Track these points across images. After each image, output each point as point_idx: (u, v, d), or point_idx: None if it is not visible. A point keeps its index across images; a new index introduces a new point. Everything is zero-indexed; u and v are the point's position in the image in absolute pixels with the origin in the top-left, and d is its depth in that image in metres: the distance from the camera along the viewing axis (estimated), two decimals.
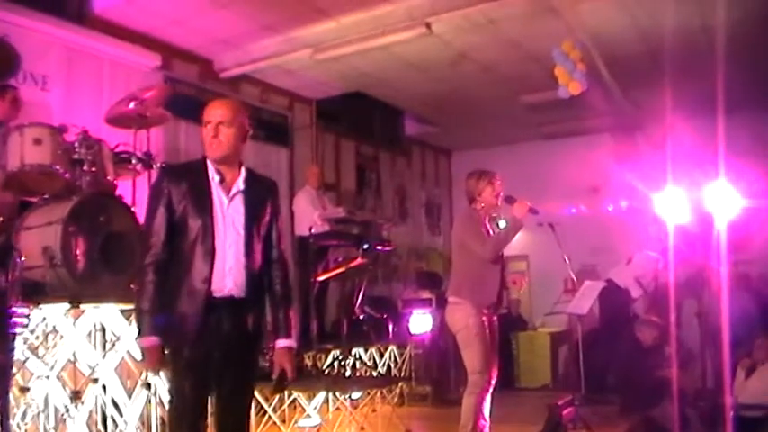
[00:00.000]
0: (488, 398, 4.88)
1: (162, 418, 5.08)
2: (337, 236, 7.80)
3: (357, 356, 7.59)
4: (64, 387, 4.28)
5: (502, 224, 4.93)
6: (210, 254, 3.00)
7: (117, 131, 5.40)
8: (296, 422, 6.24)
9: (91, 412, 4.36)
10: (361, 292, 7.80)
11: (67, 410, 4.20)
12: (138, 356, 3.93)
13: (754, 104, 8.31)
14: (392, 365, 8.06)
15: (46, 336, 4.39)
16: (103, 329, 4.67)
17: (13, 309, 3.21)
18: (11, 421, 3.82)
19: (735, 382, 5.75)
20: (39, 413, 4.25)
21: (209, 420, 3.19)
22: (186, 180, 3.09)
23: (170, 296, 3.00)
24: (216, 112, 3.12)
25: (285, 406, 6.50)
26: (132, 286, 4.64)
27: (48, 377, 4.22)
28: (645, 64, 7.84)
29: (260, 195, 3.20)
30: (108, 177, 4.99)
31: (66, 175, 4.68)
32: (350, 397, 5.98)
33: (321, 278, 7.18)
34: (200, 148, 7.71)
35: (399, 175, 11.33)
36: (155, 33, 7.03)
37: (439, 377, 8.24)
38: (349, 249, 7.90)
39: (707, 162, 7.38)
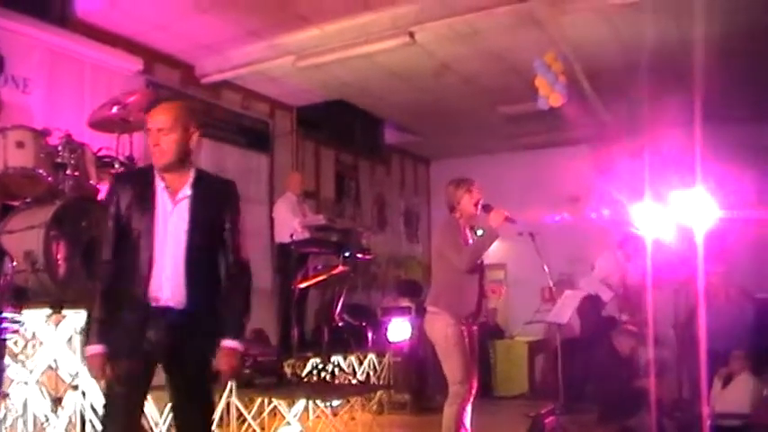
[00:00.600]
0: (469, 407, 4.89)
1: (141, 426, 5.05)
2: (317, 243, 7.79)
3: (336, 364, 7.57)
4: (43, 393, 4.24)
5: (480, 233, 4.94)
6: (148, 262, 2.92)
7: (99, 135, 5.37)
8: (276, 430, 6.21)
9: (71, 418, 4.30)
10: (341, 300, 7.79)
11: (47, 418, 4.15)
12: None
13: (736, 115, 8.42)
14: (371, 373, 8.05)
15: (26, 341, 4.34)
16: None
17: (4, 314, 3.17)
18: None
19: (712, 392, 5.81)
20: (17, 418, 4.20)
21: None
22: (133, 186, 3.03)
23: (115, 305, 2.93)
24: (156, 119, 3.01)
25: (265, 413, 6.48)
26: None
27: (27, 383, 4.18)
28: (625, 76, 7.92)
29: (210, 199, 3.07)
30: (91, 181, 4.96)
31: (49, 179, 4.64)
32: (330, 405, 5.97)
33: (302, 285, 7.15)
34: None
35: (378, 184, 11.34)
36: (137, 37, 6.99)
37: (418, 385, 8.24)
38: (329, 257, 7.90)
39: (685, 172, 7.49)
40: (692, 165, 7.09)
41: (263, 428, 6.31)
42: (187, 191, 3.02)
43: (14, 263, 3.55)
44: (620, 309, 7.49)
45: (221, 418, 5.57)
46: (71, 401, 4.29)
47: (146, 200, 2.98)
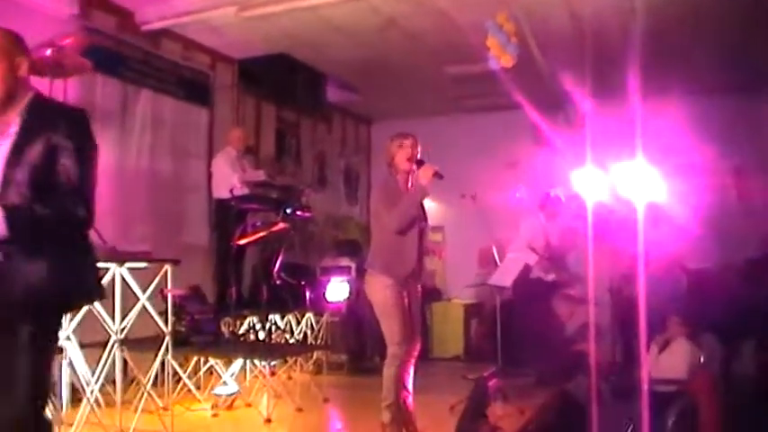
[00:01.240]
0: (411, 369, 4.86)
1: (72, 384, 4.89)
2: (257, 200, 7.64)
3: (274, 323, 7.48)
4: None
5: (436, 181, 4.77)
6: None
7: (31, 80, 5.07)
8: (212, 389, 6.11)
9: None
10: (279, 258, 7.66)
11: None
12: None
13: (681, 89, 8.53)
14: (309, 333, 7.99)
15: None
16: None
17: None
18: None
19: (648, 357, 5.90)
20: None
21: None
22: None
23: None
24: None
25: (201, 373, 6.38)
26: None
27: None
28: (573, 43, 7.90)
29: (39, 129, 2.73)
30: None
31: None
32: (268, 364, 5.90)
33: (241, 242, 6.99)
34: (118, 103, 7.42)
35: (320, 142, 11.16)
36: None
37: (355, 346, 8.23)
38: (268, 214, 7.73)
39: (626, 143, 7.56)
40: (632, 136, 7.17)
41: (198, 387, 6.21)
42: (15, 125, 2.74)
43: None
44: (545, 270, 7.50)
45: (156, 377, 5.44)
46: None
47: None
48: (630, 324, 6.27)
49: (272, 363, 5.96)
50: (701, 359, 5.68)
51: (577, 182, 7.77)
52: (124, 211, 7.05)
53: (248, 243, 7.09)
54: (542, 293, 7.51)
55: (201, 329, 6.20)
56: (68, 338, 4.67)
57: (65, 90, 5.09)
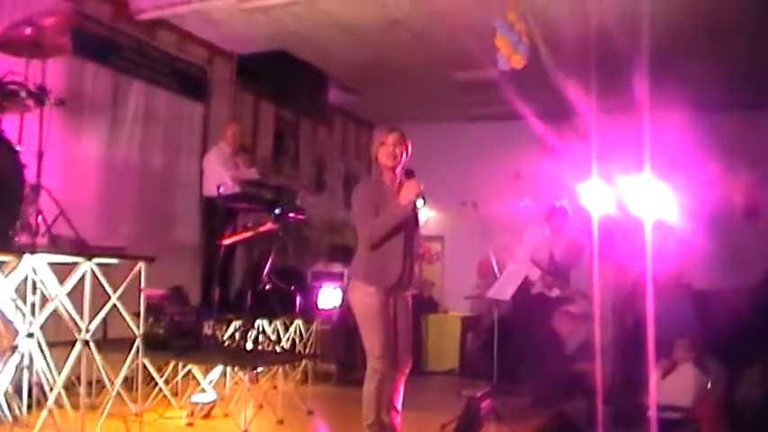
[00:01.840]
0: (401, 388, 4.50)
1: (40, 384, 4.61)
2: (248, 199, 7.31)
3: (260, 329, 7.18)
4: None
5: (419, 203, 4.37)
6: None
7: (6, 59, 4.79)
8: (189, 397, 5.79)
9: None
10: (269, 261, 7.34)
11: None
12: None
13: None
14: (297, 341, 7.69)
15: None
16: None
17: None
18: None
19: (650, 381, 5.60)
20: None
21: None
22: None
23: None
24: None
25: (178, 378, 6.05)
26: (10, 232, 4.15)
27: None
28: (582, 55, 7.60)
29: None
30: None
31: None
32: (249, 372, 5.59)
33: (227, 242, 6.68)
34: (108, 94, 7.17)
35: (319, 145, 10.87)
36: None
37: (345, 356, 7.91)
38: (260, 215, 7.41)
39: (634, 156, 7.29)
40: (640, 149, 6.90)
41: (175, 394, 5.88)
42: None
43: None
44: (548, 285, 7.18)
45: (126, 379, 5.09)
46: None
47: None
48: (634, 344, 5.99)
49: (256, 371, 5.66)
50: (708, 385, 5.37)
51: (583, 194, 7.51)
52: (110, 206, 6.79)
53: (236, 242, 6.79)
54: (543, 309, 7.19)
55: (182, 332, 5.88)
56: (30, 336, 4.34)
57: (43, 71, 4.78)
